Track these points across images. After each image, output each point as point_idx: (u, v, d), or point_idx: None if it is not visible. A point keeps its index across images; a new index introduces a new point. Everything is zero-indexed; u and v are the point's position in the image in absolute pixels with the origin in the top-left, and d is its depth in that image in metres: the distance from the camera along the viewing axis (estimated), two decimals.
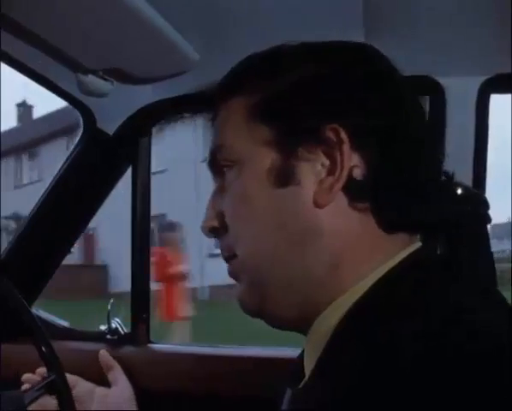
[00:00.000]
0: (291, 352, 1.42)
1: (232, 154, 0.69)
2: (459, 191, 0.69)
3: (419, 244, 0.66)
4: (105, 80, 1.18)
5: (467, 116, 1.18)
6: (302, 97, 0.65)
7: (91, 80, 1.16)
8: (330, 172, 0.64)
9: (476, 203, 0.70)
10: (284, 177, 0.65)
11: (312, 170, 0.65)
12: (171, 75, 1.21)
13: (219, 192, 0.71)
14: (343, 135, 0.63)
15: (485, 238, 0.70)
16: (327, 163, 0.64)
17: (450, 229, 0.68)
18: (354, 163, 0.63)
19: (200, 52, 1.15)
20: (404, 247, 0.65)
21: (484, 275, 0.67)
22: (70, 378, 1.18)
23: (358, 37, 1.00)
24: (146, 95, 1.39)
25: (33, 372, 1.30)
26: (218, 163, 0.71)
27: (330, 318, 0.64)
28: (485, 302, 0.60)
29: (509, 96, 1.27)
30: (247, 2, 1.01)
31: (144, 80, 1.24)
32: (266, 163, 0.66)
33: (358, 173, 0.63)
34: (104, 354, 1.45)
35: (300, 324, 0.69)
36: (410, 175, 0.65)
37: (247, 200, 0.67)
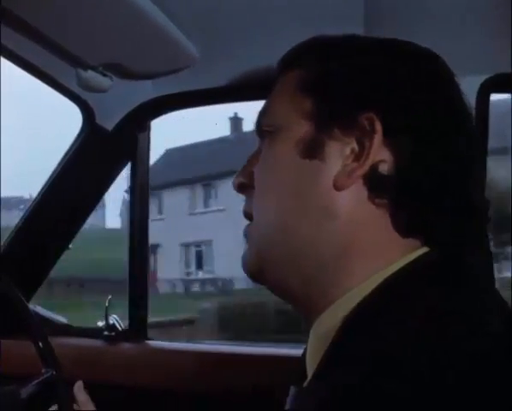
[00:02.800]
0: (292, 350, 1.42)
1: (274, 119, 0.70)
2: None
3: (427, 248, 0.65)
4: (105, 75, 1.18)
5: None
6: (349, 81, 0.66)
7: (90, 75, 1.16)
8: (357, 159, 0.64)
9: (479, 205, 0.70)
10: (312, 150, 0.66)
11: (340, 152, 0.65)
12: (171, 71, 1.21)
13: (257, 153, 0.73)
14: (378, 126, 0.63)
15: (485, 238, 0.70)
16: (356, 149, 0.64)
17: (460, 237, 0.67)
18: (382, 157, 0.63)
19: (200, 49, 1.14)
20: (414, 250, 0.65)
21: (484, 275, 0.67)
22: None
23: (357, 31, 1.00)
24: (146, 91, 1.39)
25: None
26: (262, 126, 0.73)
27: (333, 317, 0.64)
28: (489, 305, 0.61)
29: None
30: (247, 0, 1.00)
31: (143, 75, 1.23)
32: (300, 132, 0.67)
33: (384, 168, 0.63)
34: (79, 387, 1.17)
35: (300, 300, 0.69)
36: (437, 185, 0.64)
37: (273, 165, 0.69)
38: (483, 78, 1.21)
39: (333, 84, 0.67)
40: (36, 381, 1.07)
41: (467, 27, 1.05)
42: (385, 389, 0.51)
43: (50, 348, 1.14)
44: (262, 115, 0.74)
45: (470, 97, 1.20)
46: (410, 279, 0.62)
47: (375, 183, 0.64)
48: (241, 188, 0.75)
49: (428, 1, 0.99)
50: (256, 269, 0.71)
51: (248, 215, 0.73)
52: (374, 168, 0.63)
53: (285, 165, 0.68)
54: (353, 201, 0.64)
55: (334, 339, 0.62)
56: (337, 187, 0.64)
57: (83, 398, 1.13)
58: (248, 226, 0.73)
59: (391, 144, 0.63)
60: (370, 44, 0.71)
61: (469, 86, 1.19)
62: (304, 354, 0.71)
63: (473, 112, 1.16)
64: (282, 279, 0.69)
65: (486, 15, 1.01)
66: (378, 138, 0.63)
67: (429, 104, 0.65)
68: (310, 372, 0.67)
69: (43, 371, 1.08)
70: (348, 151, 0.65)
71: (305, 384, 0.66)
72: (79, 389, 1.13)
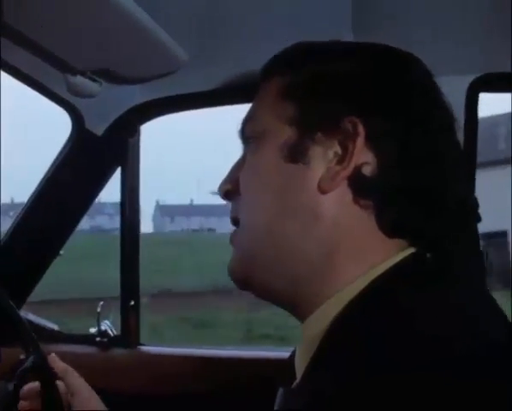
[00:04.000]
0: (283, 353, 1.42)
1: (257, 126, 0.71)
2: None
3: (414, 249, 0.66)
4: (94, 80, 1.17)
5: (456, 115, 1.18)
6: (331, 85, 0.67)
7: (79, 80, 1.15)
8: (340, 161, 0.65)
9: (467, 205, 0.70)
10: (295, 154, 0.66)
11: (323, 155, 0.65)
12: (160, 75, 1.21)
13: (242, 159, 0.74)
14: (360, 129, 0.63)
15: (475, 237, 0.70)
16: (339, 152, 0.65)
17: (446, 237, 0.67)
18: (366, 159, 0.64)
19: (189, 53, 1.14)
20: (401, 251, 0.65)
21: (474, 274, 0.67)
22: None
23: (346, 34, 1.00)
24: (135, 95, 1.39)
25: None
26: (245, 133, 0.74)
27: (321, 319, 0.64)
28: (478, 305, 0.61)
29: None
30: (236, 3, 1.00)
31: (132, 80, 1.23)
32: (283, 137, 0.68)
33: (368, 170, 0.64)
34: (53, 358, 1.16)
35: (288, 303, 0.70)
36: (421, 185, 0.65)
37: (258, 170, 0.70)
38: (472, 77, 1.22)
39: (315, 89, 0.68)
40: (20, 369, 1.07)
41: (455, 26, 1.06)
42: (373, 391, 0.51)
43: (41, 354, 1.13)
44: (246, 121, 0.74)
45: (459, 96, 1.21)
46: (397, 280, 0.62)
47: (359, 185, 0.64)
48: (226, 195, 0.75)
49: (415, 4, 1.00)
50: (242, 275, 0.72)
51: (235, 221, 0.73)
52: (358, 170, 0.64)
53: (270, 170, 0.68)
54: (338, 204, 0.65)
55: (322, 341, 0.62)
56: (322, 190, 0.65)
57: (62, 366, 1.13)
58: (234, 232, 0.74)
59: (374, 146, 0.64)
60: (351, 49, 0.72)
61: (458, 85, 1.21)
62: (293, 356, 0.72)
63: (463, 112, 1.18)
64: (269, 283, 0.69)
65: (474, 16, 1.02)
66: (360, 140, 0.63)
67: (411, 107, 0.66)
68: (299, 373, 0.67)
69: (21, 357, 1.09)
70: (331, 154, 0.65)
71: (293, 385, 0.66)
72: (54, 359, 1.13)
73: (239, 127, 0.76)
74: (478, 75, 1.23)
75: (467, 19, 1.03)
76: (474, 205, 0.70)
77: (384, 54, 0.71)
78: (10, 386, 1.04)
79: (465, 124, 1.22)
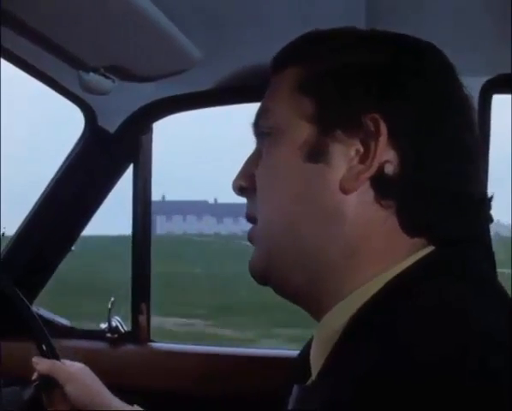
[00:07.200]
0: (292, 352, 1.42)
1: (273, 121, 0.69)
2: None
3: (433, 247, 0.65)
4: (107, 77, 1.18)
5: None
6: (352, 80, 0.65)
7: (92, 77, 1.16)
8: (362, 160, 0.63)
9: (481, 204, 0.69)
10: (316, 153, 0.65)
11: (344, 154, 0.64)
12: (173, 73, 1.21)
13: (257, 154, 0.72)
14: (383, 127, 0.62)
15: (488, 238, 0.69)
16: (361, 150, 0.63)
17: (465, 236, 0.66)
18: (388, 158, 0.62)
19: (202, 50, 1.14)
20: (420, 249, 0.64)
21: (487, 271, 0.67)
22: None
23: None
24: (148, 93, 1.39)
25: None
26: (260, 127, 0.72)
27: (340, 316, 0.63)
28: (494, 303, 0.60)
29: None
30: (249, 1, 1.00)
31: (146, 77, 1.23)
32: (303, 136, 0.66)
33: (390, 169, 0.62)
34: (35, 359, 1.13)
35: (307, 300, 0.69)
36: (443, 184, 0.64)
37: (278, 170, 0.68)
38: (485, 78, 1.21)
39: (333, 84, 0.65)
40: (36, 382, 1.07)
41: (469, 27, 1.05)
42: (393, 390, 0.50)
43: (53, 349, 1.14)
44: (260, 116, 0.72)
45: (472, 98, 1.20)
46: (417, 278, 0.61)
47: (382, 185, 0.63)
48: (241, 191, 0.73)
49: (428, 4, 0.99)
50: (263, 271, 0.71)
51: (252, 218, 0.72)
52: (380, 169, 0.63)
53: (289, 169, 0.67)
54: (360, 203, 0.64)
55: (340, 338, 0.62)
56: (345, 190, 0.64)
57: (45, 364, 1.11)
58: (252, 230, 0.72)
59: (396, 144, 0.63)
60: (368, 39, 0.69)
61: (471, 87, 1.20)
62: (303, 354, 0.71)
63: (476, 112, 1.17)
64: (288, 281, 0.69)
65: (487, 15, 1.01)
66: (383, 139, 0.62)
67: (433, 102, 0.64)
68: (315, 370, 0.66)
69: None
70: (352, 152, 0.64)
71: (308, 382, 0.66)
72: (36, 359, 1.12)
73: (253, 119, 0.73)
74: (491, 77, 1.22)
75: (480, 20, 1.02)
76: (489, 205, 0.70)
77: (404, 44, 0.68)
78: (25, 394, 1.04)
79: (478, 126, 1.21)
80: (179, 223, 31.64)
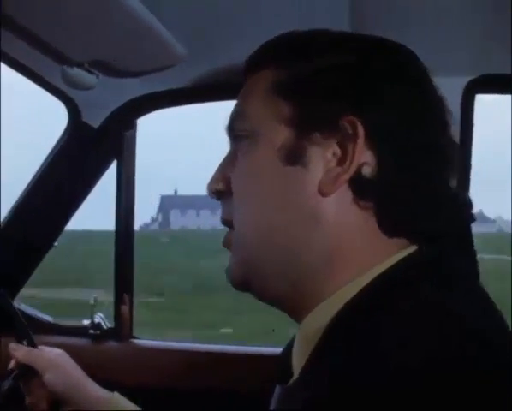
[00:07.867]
0: (276, 349, 1.42)
1: (249, 124, 0.68)
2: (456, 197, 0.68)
3: (414, 247, 0.65)
4: (91, 72, 1.17)
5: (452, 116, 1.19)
6: (328, 83, 0.65)
7: (76, 72, 1.15)
8: (340, 163, 0.63)
9: (462, 203, 0.70)
10: (294, 156, 0.64)
11: (322, 157, 0.64)
12: (157, 69, 1.21)
13: (231, 157, 0.71)
14: (360, 129, 0.62)
15: (470, 237, 0.70)
16: (339, 153, 0.63)
17: (444, 235, 0.67)
18: (365, 160, 0.63)
19: (187, 47, 1.14)
20: (400, 250, 0.64)
21: (469, 272, 0.67)
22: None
23: None
24: (132, 89, 1.39)
25: None
26: (235, 130, 0.71)
27: (321, 316, 0.63)
28: (476, 304, 0.61)
29: None
30: (235, 0, 1.00)
31: (130, 73, 1.23)
32: (280, 139, 0.65)
33: (368, 171, 0.63)
34: (12, 346, 1.12)
35: (287, 304, 0.69)
36: (421, 183, 0.64)
37: (255, 174, 0.67)
38: (468, 78, 1.22)
39: (310, 87, 0.65)
40: (14, 373, 1.07)
41: (452, 28, 1.06)
42: (371, 390, 0.51)
43: (34, 346, 1.13)
44: (235, 118, 0.71)
45: (455, 98, 1.21)
46: (396, 279, 0.62)
47: (360, 186, 0.63)
48: (217, 195, 0.72)
49: (413, 4, 1.00)
50: (241, 278, 0.70)
51: (227, 222, 0.71)
52: (358, 171, 0.63)
53: (267, 173, 0.66)
54: (338, 205, 0.64)
55: (320, 339, 0.62)
56: (323, 192, 0.64)
57: (22, 352, 1.10)
58: (228, 234, 0.71)
59: (373, 145, 0.63)
60: (345, 41, 0.69)
61: (454, 87, 1.21)
62: (285, 353, 0.71)
63: (459, 113, 1.18)
64: (269, 286, 0.68)
65: (471, 16, 1.02)
66: (361, 141, 0.62)
67: (409, 103, 0.65)
68: (296, 371, 0.66)
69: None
70: (329, 155, 0.64)
71: (290, 382, 0.66)
72: (12, 346, 1.11)
73: (226, 122, 0.72)
74: (474, 77, 1.23)
75: (463, 20, 1.03)
76: (469, 204, 0.70)
77: (380, 47, 0.69)
78: (4, 385, 1.04)
79: (461, 125, 1.22)
80: (192, 218, 31.12)
